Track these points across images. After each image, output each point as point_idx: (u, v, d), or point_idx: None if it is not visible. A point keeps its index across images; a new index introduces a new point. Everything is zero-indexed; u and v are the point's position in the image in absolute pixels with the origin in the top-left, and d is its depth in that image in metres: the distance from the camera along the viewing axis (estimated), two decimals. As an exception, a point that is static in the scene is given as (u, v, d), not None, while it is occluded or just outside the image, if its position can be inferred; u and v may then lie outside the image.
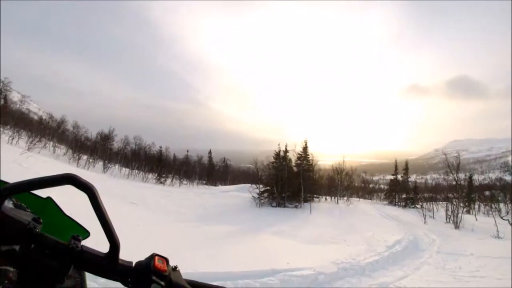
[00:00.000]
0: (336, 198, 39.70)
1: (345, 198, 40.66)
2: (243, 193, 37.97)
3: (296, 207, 31.24)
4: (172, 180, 49.95)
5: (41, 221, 0.87)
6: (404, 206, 39.97)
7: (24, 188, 0.85)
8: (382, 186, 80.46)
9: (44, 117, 67.10)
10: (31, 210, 1.17)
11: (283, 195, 32.44)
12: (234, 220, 20.67)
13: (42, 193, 0.92)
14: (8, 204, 1.16)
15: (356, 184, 62.45)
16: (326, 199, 40.93)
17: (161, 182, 46.79)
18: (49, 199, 1.18)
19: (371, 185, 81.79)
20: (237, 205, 29.14)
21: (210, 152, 69.62)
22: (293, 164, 37.36)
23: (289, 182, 33.14)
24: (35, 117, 68.83)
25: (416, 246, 15.20)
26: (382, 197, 55.03)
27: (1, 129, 38.16)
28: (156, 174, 49.07)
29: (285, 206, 31.63)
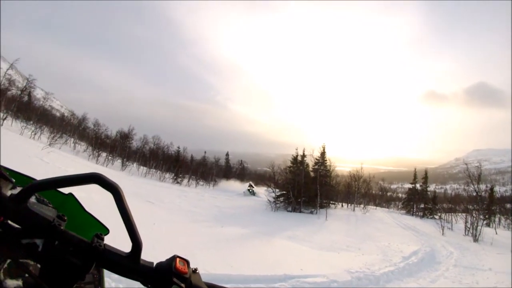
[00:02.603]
0: (353, 205, 39.23)
1: (362, 205, 40.14)
2: (259, 196, 38.09)
3: (311, 212, 31.02)
4: (188, 181, 50.30)
5: (65, 218, 0.89)
6: (422, 216, 39.21)
7: (50, 186, 0.86)
8: (400, 195, 79.29)
9: (66, 114, 69.55)
10: (53, 205, 1.14)
11: (299, 200, 32.27)
12: (248, 222, 20.62)
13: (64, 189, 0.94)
14: (31, 198, 1.21)
15: (374, 192, 61.62)
16: (342, 205, 40.47)
17: (177, 182, 47.12)
18: (70, 195, 1.19)
19: (388, 193, 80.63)
20: (253, 208, 29.10)
21: (227, 154, 69.81)
22: (310, 169, 37.13)
23: (306, 187, 32.96)
24: (58, 114, 70.70)
25: (432, 258, 14.89)
26: (399, 206, 54.09)
27: (25, 124, 39.27)
28: (173, 174, 49.46)
29: (300, 211, 31.43)
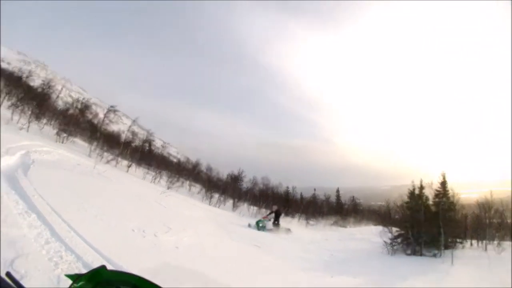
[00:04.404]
0: (484, 242, 34.36)
1: (495, 242, 34.96)
2: (374, 236, 35.65)
3: (434, 255, 27.64)
4: (298, 220, 49.83)
5: None
6: None
7: None
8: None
9: (181, 160, 78.15)
10: None
11: (419, 240, 29.39)
12: (361, 270, 19.16)
13: None
14: None
15: (510, 221, 53.32)
16: (471, 244, 35.71)
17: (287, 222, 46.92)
18: None
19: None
20: (366, 252, 27.32)
21: (337, 190, 67.81)
22: (431, 202, 33.81)
23: (427, 224, 29.91)
24: (174, 160, 79.30)
25: None
26: (544, 240, 45.73)
27: (147, 170, 45.75)
28: (283, 214, 49.22)
29: (421, 254, 28.18)
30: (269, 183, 59.88)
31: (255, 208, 51.97)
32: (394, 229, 31.97)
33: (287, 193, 57.83)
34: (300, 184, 74.16)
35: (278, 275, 14.23)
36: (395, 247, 29.20)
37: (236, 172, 57.86)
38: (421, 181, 33.65)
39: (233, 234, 21.61)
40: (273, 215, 32.96)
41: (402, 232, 30.95)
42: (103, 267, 1.46)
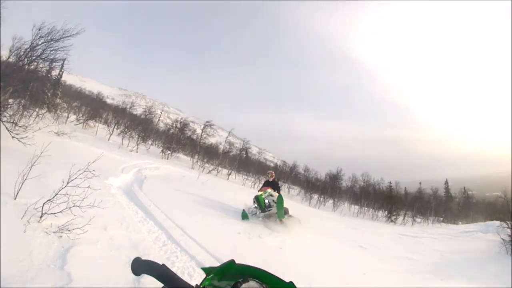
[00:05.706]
0: None
1: None
2: (489, 234, 32.31)
3: None
4: (403, 218, 47.28)
5: None
6: None
7: None
8: None
9: (278, 164, 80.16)
10: None
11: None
12: (476, 273, 17.19)
13: None
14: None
15: None
16: None
17: (391, 221, 44.80)
18: (291, 283, 1.40)
19: None
20: (480, 252, 24.57)
21: (446, 182, 62.63)
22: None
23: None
24: (271, 164, 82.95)
25: None
26: None
27: (246, 176, 48.85)
28: (386, 212, 47.55)
29: (546, 256, 24.69)
30: (370, 180, 57.86)
31: (356, 207, 50.71)
32: (514, 224, 28.53)
33: (390, 189, 55.03)
34: (404, 178, 70.14)
35: (383, 276, 13.78)
36: (515, 247, 25.90)
37: (334, 171, 57.07)
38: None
39: (335, 235, 21.36)
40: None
41: (524, 228, 27.57)
42: (232, 261, 1.62)
